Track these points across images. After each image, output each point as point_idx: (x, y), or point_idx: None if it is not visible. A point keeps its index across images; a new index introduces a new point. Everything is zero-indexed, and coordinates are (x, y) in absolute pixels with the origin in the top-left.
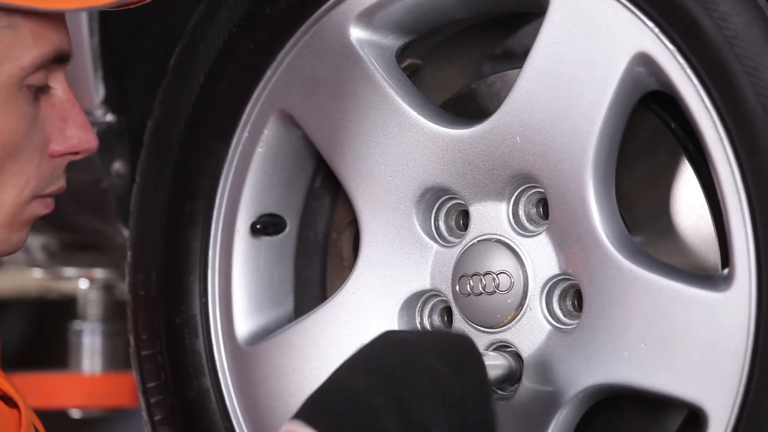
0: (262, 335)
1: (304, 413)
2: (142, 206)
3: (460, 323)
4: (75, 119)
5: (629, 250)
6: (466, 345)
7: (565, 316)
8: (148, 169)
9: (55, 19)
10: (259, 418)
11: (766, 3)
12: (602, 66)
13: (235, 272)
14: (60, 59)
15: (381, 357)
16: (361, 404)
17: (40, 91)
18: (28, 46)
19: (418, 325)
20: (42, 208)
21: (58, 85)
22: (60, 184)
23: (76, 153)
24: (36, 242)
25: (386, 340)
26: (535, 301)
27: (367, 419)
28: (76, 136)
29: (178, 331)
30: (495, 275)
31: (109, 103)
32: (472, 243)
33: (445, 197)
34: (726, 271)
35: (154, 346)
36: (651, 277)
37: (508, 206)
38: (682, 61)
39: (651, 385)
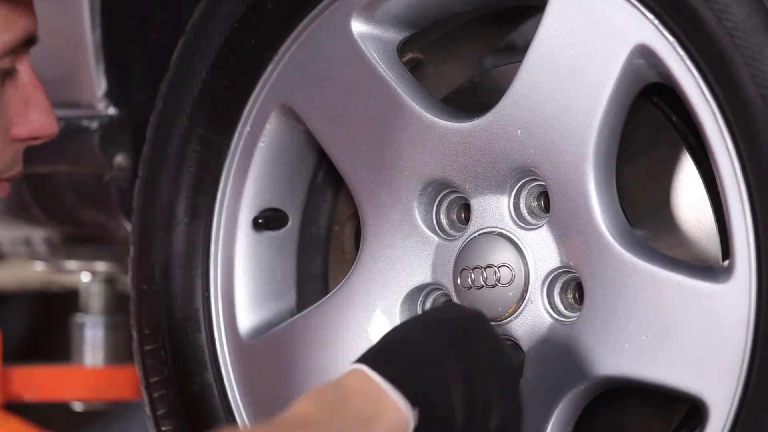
0: (265, 329)
1: (369, 359)
2: (145, 201)
3: None
4: (38, 103)
5: (630, 242)
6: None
7: (566, 308)
8: (150, 164)
9: (26, 2)
10: (261, 413)
11: None
12: (602, 58)
13: (237, 267)
14: (28, 42)
15: (449, 320)
16: (428, 359)
17: (6, 74)
18: None
19: None
20: None
21: (23, 68)
22: (18, 168)
23: (36, 138)
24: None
25: (450, 308)
26: (536, 294)
27: (433, 374)
28: (39, 120)
29: (181, 326)
30: (496, 268)
31: (111, 96)
32: (473, 236)
33: (447, 190)
34: (726, 262)
35: (157, 340)
36: (652, 269)
37: (509, 199)
38: (682, 52)
39: (652, 377)
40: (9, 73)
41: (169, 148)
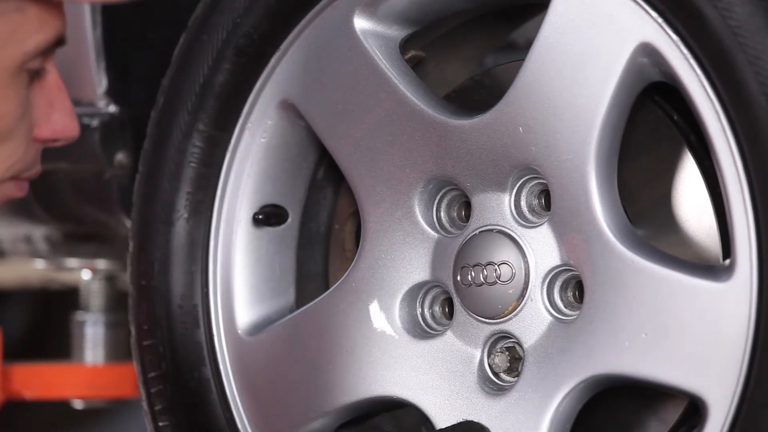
0: (263, 326)
1: None
2: (145, 196)
3: (461, 314)
4: (62, 104)
5: (631, 240)
6: None
7: (566, 306)
8: (150, 159)
9: (57, 3)
10: (259, 409)
11: None
12: (605, 56)
13: (236, 263)
14: (57, 43)
15: None
16: None
17: (35, 74)
18: (32, 31)
19: (419, 316)
20: (17, 190)
21: (50, 68)
22: (37, 168)
23: (57, 140)
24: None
25: None
26: (537, 292)
27: None
28: (61, 122)
29: (180, 322)
30: (496, 266)
31: (111, 94)
32: (473, 233)
33: (448, 188)
34: (727, 261)
35: (155, 336)
36: (652, 268)
37: (510, 197)
38: (685, 51)
39: (651, 376)
40: (37, 73)
41: (170, 143)
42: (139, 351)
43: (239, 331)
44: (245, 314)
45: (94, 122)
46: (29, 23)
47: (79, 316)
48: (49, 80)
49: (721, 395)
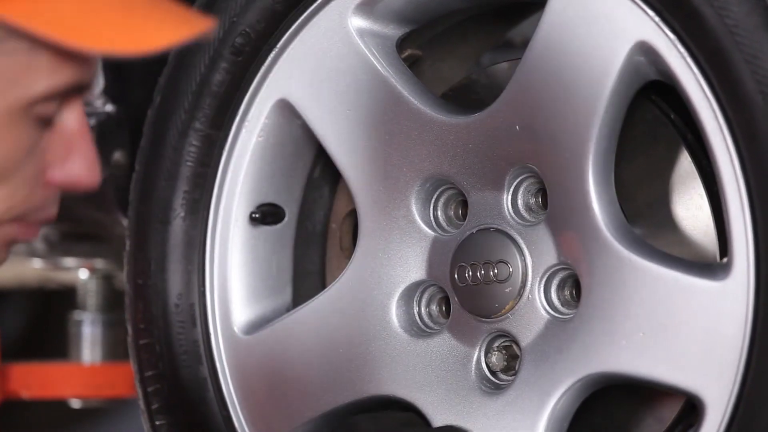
0: (260, 325)
1: None
2: (141, 195)
3: (457, 313)
4: (81, 152)
5: (628, 239)
6: None
7: (563, 305)
8: (147, 158)
9: (74, 53)
10: (256, 407)
11: None
12: (603, 55)
13: (233, 262)
14: (78, 90)
15: None
16: None
17: (48, 120)
18: (42, 75)
19: (416, 315)
20: (21, 233)
21: (73, 114)
22: (50, 212)
23: (71, 186)
24: None
25: None
26: (534, 291)
27: None
28: (77, 171)
29: (176, 321)
30: (493, 265)
31: (108, 93)
32: (470, 232)
33: (444, 187)
34: (725, 260)
35: (152, 335)
36: (649, 267)
37: (507, 196)
38: (682, 50)
39: (648, 374)
40: (50, 120)
41: (167, 142)
42: (135, 350)
43: (236, 330)
44: (242, 313)
45: (91, 122)
46: (39, 66)
47: (77, 315)
48: (71, 126)
49: (718, 394)
